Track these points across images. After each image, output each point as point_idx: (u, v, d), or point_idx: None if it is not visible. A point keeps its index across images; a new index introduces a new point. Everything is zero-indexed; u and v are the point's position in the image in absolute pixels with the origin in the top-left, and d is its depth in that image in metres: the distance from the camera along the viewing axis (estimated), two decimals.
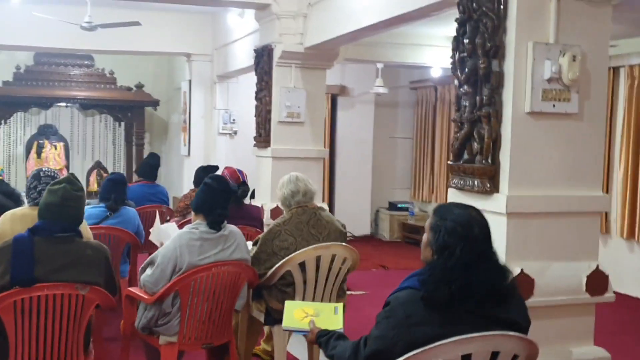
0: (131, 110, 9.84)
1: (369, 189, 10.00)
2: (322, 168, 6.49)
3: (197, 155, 8.81)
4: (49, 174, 3.55)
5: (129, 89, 9.76)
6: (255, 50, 6.29)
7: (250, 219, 4.50)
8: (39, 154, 9.87)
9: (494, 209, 3.03)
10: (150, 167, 5.86)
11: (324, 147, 6.47)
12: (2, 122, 9.80)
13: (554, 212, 3.09)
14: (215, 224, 3.21)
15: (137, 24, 7.08)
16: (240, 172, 4.60)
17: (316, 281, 3.59)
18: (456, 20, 3.27)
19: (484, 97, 3.07)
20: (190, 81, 8.88)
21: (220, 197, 3.24)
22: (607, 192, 6.87)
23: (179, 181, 9.49)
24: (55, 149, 9.99)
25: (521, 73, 2.99)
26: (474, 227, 2.06)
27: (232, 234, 3.30)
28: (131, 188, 5.78)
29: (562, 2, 3.03)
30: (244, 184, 4.51)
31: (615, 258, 6.55)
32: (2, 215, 3.43)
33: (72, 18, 6.94)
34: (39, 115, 10.29)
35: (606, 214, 6.85)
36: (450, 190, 3.35)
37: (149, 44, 8.51)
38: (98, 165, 10.35)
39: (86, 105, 9.85)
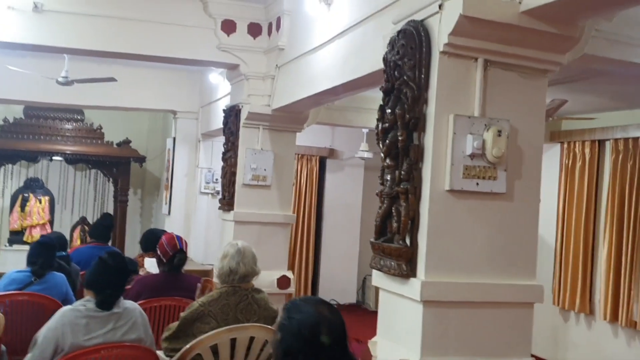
0: (117, 166, 9.73)
1: (357, 255, 9.68)
2: (289, 234, 6.22)
3: (178, 215, 8.62)
4: None
5: (118, 144, 9.66)
6: (224, 110, 6.15)
7: (187, 290, 4.21)
8: (22, 207, 9.76)
9: (410, 295, 2.75)
10: (102, 227, 5.65)
11: (292, 212, 6.22)
12: None
13: (478, 301, 2.78)
14: (104, 304, 2.94)
15: (112, 79, 7.03)
16: (179, 238, 4.35)
17: None
18: (381, 88, 3.05)
19: (402, 172, 2.82)
20: (174, 138, 8.77)
21: (113, 275, 2.98)
22: (591, 269, 6.51)
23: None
24: (40, 202, 9.88)
25: (441, 148, 2.74)
26: (321, 329, 1.78)
27: (127, 312, 3.03)
28: (81, 250, 5.57)
29: (489, 72, 2.81)
30: (181, 252, 4.25)
31: (599, 342, 6.12)
32: None
33: (52, 72, 6.90)
34: (27, 168, 10.22)
35: (590, 294, 6.46)
36: (373, 271, 3.06)
37: (136, 100, 8.44)
38: (82, 221, 10.21)
39: (71, 160, 9.77)
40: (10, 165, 9.92)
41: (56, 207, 10.22)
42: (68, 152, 9.46)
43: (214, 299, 3.35)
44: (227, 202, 5.88)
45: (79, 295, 4.72)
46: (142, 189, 10.73)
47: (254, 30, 5.73)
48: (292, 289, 5.74)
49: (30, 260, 4.20)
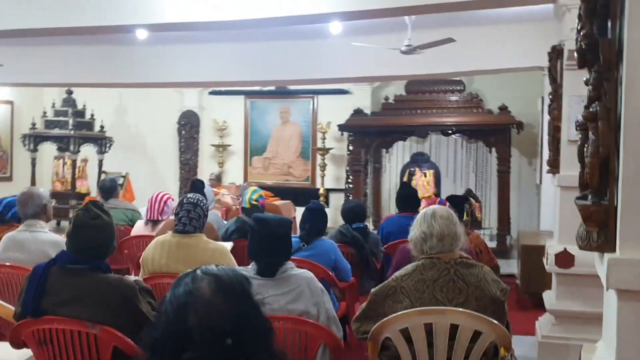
0: (494, 134, 9.19)
1: None
2: None
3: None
4: (191, 200, 3.51)
5: (499, 109, 9.15)
6: (548, 54, 5.13)
7: None
8: (409, 181, 10.09)
9: (603, 279, 1.71)
10: (401, 198, 5.30)
11: None
12: (385, 150, 10.39)
13: None
14: (263, 272, 2.65)
15: (450, 40, 6.61)
16: None
17: None
18: None
19: (590, 86, 1.77)
20: (542, 98, 7.83)
21: (267, 243, 2.67)
22: None
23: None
24: (425, 176, 10.06)
25: None
26: (189, 314, 1.24)
27: (292, 280, 2.68)
28: (391, 219, 5.38)
29: None
30: None
31: None
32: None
33: (395, 43, 6.87)
34: (417, 143, 10.52)
35: None
36: None
37: (497, 61, 7.82)
38: (468, 194, 10.00)
39: (450, 132, 9.63)
40: (400, 142, 10.36)
41: (443, 180, 10.26)
42: (448, 123, 9.38)
43: (408, 272, 2.75)
44: (552, 164, 4.90)
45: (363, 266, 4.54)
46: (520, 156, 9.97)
47: None
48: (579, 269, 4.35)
49: (300, 226, 4.18)
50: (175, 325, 1.27)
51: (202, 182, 4.94)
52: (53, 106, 10.03)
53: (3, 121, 11.19)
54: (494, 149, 9.40)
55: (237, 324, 1.28)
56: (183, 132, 11.30)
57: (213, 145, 11.21)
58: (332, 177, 10.93)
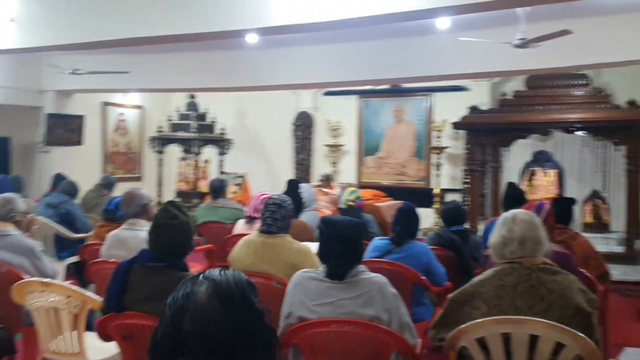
0: (623, 131, 8.55)
1: None
2: None
3: None
4: (276, 201, 3.55)
5: (617, 107, 8.52)
6: None
7: None
8: (530, 181, 9.64)
9: None
10: (509, 199, 5.01)
11: None
12: (504, 149, 9.99)
13: None
14: (332, 275, 2.61)
15: (567, 32, 6.22)
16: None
17: None
18: None
19: None
20: None
21: (336, 244, 2.62)
22: None
23: None
24: (547, 176, 9.56)
25: None
26: (184, 318, 1.27)
27: (362, 284, 2.60)
28: (495, 221, 5.13)
29: None
30: None
31: None
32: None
33: (505, 38, 6.59)
34: (541, 142, 10.02)
35: None
36: None
37: (623, 53, 7.27)
38: (594, 195, 9.40)
39: (573, 129, 9.08)
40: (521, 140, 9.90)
41: (567, 179, 9.70)
42: (571, 120, 8.85)
43: (487, 277, 2.61)
44: None
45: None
46: None
47: None
48: None
49: (392, 228, 4.10)
50: (171, 329, 1.27)
51: (297, 182, 4.98)
52: (178, 110, 10.57)
53: (134, 125, 11.97)
54: (622, 147, 8.74)
55: (232, 331, 1.25)
56: (298, 132, 11.50)
57: (326, 145, 11.32)
58: (448, 176, 10.68)
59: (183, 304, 1.29)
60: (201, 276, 1.33)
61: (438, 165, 10.43)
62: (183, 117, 10.43)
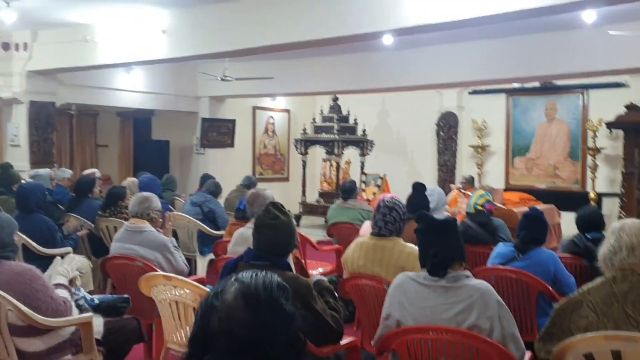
0: None
1: None
2: None
3: None
4: (388, 204, 3.52)
5: None
6: None
7: None
8: None
9: None
10: None
11: None
12: None
13: None
14: (432, 269, 2.54)
15: None
16: None
17: None
18: None
19: None
20: None
21: (427, 236, 2.54)
22: None
23: None
24: None
25: None
26: (212, 316, 1.31)
27: (463, 289, 2.47)
28: None
29: None
30: None
31: None
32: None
33: None
34: None
35: None
36: None
37: None
38: None
39: None
40: None
41: None
42: None
43: (596, 285, 2.45)
44: None
45: None
46: None
47: None
48: None
49: (516, 234, 3.88)
50: (200, 325, 1.31)
51: (422, 185, 4.87)
52: (321, 112, 10.80)
53: (282, 128, 12.42)
54: None
55: (256, 331, 1.26)
56: (441, 133, 11.28)
57: (471, 146, 10.99)
58: (605, 179, 9.94)
59: (213, 303, 1.33)
60: (233, 278, 1.36)
61: (594, 168, 9.75)
62: (326, 119, 10.65)
